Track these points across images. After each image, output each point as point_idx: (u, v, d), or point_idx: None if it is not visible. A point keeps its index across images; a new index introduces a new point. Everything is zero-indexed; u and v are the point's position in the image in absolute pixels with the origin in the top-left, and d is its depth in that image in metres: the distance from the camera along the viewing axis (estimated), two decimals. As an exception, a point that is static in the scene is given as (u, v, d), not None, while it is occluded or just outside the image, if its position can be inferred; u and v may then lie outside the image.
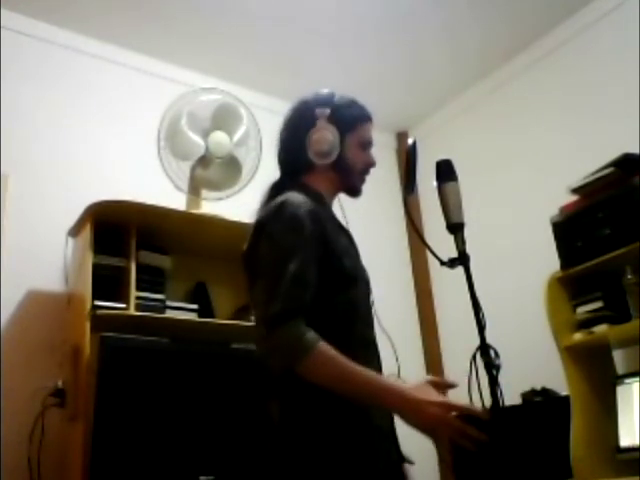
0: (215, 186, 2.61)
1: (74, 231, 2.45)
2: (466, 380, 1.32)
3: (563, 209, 2.57)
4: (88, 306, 2.18)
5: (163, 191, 2.54)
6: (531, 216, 3.06)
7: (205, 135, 2.54)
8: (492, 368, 1.32)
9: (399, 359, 1.67)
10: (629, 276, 2.36)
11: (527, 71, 3.31)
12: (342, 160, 1.55)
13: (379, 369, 1.49)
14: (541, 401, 2.54)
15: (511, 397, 1.95)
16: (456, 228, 1.46)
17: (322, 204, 1.53)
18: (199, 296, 2.66)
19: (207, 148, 2.53)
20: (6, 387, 2.24)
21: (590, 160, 2.55)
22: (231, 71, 3.23)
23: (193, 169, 2.57)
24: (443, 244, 1.54)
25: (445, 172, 1.50)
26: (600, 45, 2.98)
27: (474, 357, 1.34)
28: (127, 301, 2.29)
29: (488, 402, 1.30)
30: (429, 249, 1.49)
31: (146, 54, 3.09)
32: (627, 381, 2.42)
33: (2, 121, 2.57)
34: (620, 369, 2.57)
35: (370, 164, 1.61)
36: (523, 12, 3.02)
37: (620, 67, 2.86)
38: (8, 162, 2.51)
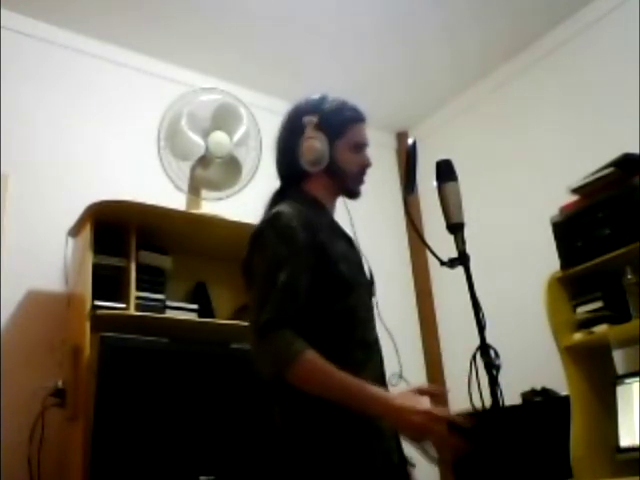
0: (215, 186, 2.61)
1: (74, 231, 2.45)
2: (466, 380, 1.32)
3: (563, 209, 2.56)
4: (88, 306, 2.18)
5: (163, 191, 2.54)
6: (531, 216, 3.05)
7: (205, 135, 2.54)
8: (492, 368, 1.32)
9: (400, 359, 1.67)
10: (629, 276, 2.36)
11: (527, 71, 3.31)
12: (334, 165, 1.56)
13: (381, 370, 1.50)
14: (541, 401, 2.54)
15: (511, 397, 1.95)
16: (456, 228, 1.47)
17: (320, 211, 1.55)
18: (199, 296, 2.66)
19: (207, 148, 2.53)
20: (6, 387, 2.24)
21: (590, 160, 2.55)
22: (231, 71, 3.23)
23: (193, 169, 2.57)
24: (443, 244, 1.54)
25: (445, 172, 1.50)
26: (600, 45, 2.98)
27: (474, 357, 1.34)
28: (127, 301, 2.29)
29: (488, 402, 1.30)
30: (429, 249, 1.49)
31: (146, 54, 3.09)
32: (627, 381, 2.42)
33: (2, 121, 2.57)
34: (620, 369, 2.57)
35: (365, 165, 1.61)
36: (523, 12, 3.02)
37: (620, 67, 2.86)
38: (8, 162, 2.51)
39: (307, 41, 3.11)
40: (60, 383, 2.23)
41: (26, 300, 2.42)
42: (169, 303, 2.48)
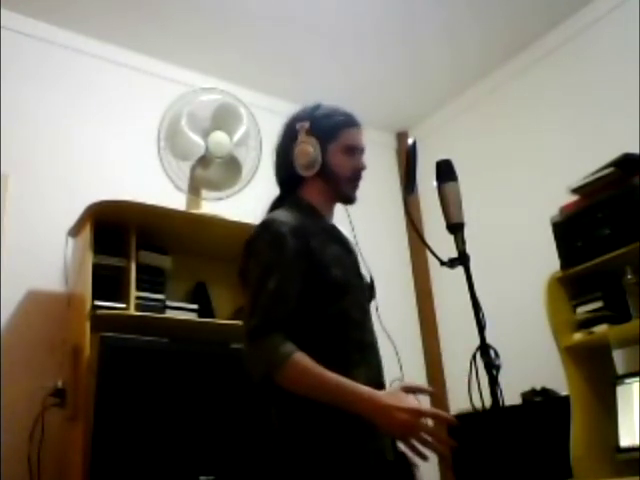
0: (215, 186, 2.61)
1: (74, 231, 2.45)
2: (466, 380, 1.32)
3: (563, 209, 2.56)
4: (88, 306, 2.18)
5: (163, 191, 2.54)
6: (531, 216, 3.05)
7: (205, 135, 2.54)
8: (492, 368, 1.32)
9: (400, 360, 1.67)
10: (629, 276, 2.36)
11: (527, 71, 3.31)
12: (327, 169, 1.58)
13: (378, 371, 1.51)
14: (541, 401, 2.54)
15: (511, 397, 1.95)
16: (456, 228, 1.47)
17: (315, 216, 1.57)
18: (199, 296, 2.66)
19: (207, 148, 2.53)
20: (6, 387, 2.24)
21: (590, 160, 2.55)
22: (231, 71, 3.23)
23: (193, 169, 2.57)
24: (443, 244, 1.54)
25: (445, 172, 1.50)
26: (600, 45, 2.98)
27: (474, 357, 1.34)
28: (127, 301, 2.29)
29: (488, 402, 1.30)
30: (429, 249, 1.49)
31: (146, 54, 3.09)
32: (627, 381, 2.42)
33: (2, 121, 2.57)
34: (620, 369, 2.57)
35: (358, 169, 1.62)
36: (523, 12, 3.02)
37: (620, 67, 2.86)
38: (8, 162, 2.51)
39: (307, 41, 3.11)
40: (60, 383, 2.23)
41: (26, 300, 2.42)
42: (169, 303, 2.48)
